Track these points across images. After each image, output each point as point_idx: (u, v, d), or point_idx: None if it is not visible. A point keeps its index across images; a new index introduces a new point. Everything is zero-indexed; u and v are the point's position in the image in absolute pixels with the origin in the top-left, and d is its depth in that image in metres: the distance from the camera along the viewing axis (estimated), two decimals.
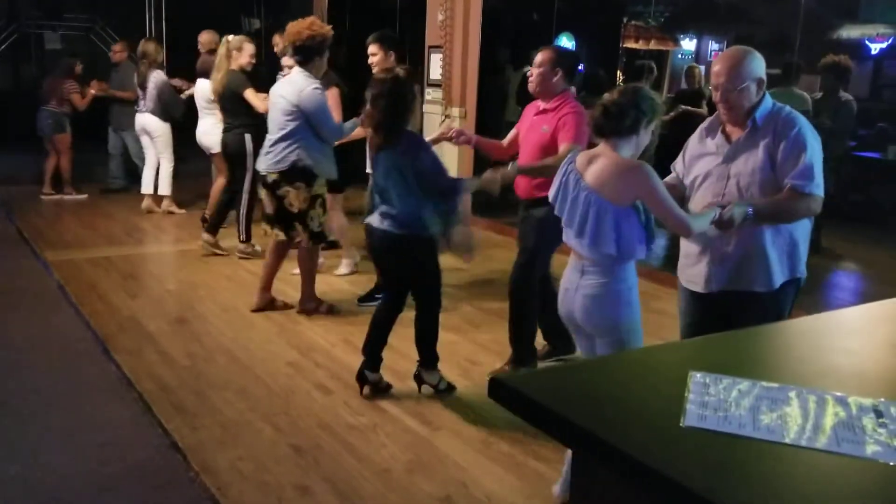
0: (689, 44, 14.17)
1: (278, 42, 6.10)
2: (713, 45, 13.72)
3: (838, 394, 1.59)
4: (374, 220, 3.70)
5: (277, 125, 4.65)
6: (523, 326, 4.08)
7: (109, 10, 12.21)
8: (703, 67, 9.02)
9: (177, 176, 8.03)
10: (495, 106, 9.48)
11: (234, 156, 6.09)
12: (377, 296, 5.11)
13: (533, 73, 3.87)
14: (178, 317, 4.88)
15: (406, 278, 3.80)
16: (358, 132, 4.98)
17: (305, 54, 4.62)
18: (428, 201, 3.54)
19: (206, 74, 6.47)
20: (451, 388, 3.89)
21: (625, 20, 11.98)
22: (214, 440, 3.36)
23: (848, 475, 1.32)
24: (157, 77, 7.53)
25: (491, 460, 3.27)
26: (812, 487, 1.29)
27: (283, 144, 4.62)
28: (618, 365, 1.91)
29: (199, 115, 6.77)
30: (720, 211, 2.69)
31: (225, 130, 6.10)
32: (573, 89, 3.96)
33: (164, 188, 7.87)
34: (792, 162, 2.72)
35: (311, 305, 5.02)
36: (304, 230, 4.77)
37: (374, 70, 4.96)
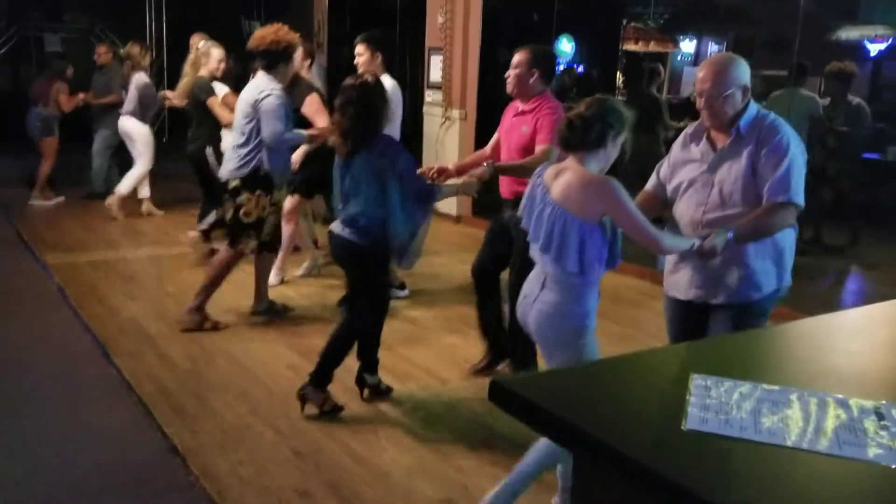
0: (688, 45, 14.18)
1: None
2: (713, 47, 13.72)
3: (839, 396, 1.58)
4: (336, 226, 3.64)
5: (239, 130, 4.56)
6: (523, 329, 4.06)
7: (109, 13, 12.22)
8: None
9: (156, 177, 7.93)
10: (495, 107, 9.48)
11: (200, 172, 5.94)
12: None
13: (510, 74, 3.86)
14: (178, 319, 4.87)
15: (355, 287, 3.75)
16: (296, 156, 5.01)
17: (269, 59, 4.55)
18: (400, 207, 3.48)
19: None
20: (389, 390, 3.89)
21: (624, 21, 11.99)
22: (214, 444, 3.36)
23: (849, 478, 1.31)
24: (138, 79, 7.48)
25: (492, 463, 3.26)
26: (813, 490, 1.29)
27: (244, 150, 4.52)
28: (619, 368, 1.91)
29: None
30: (700, 243, 2.65)
31: (189, 141, 5.98)
32: (554, 90, 3.95)
33: (124, 187, 7.62)
34: (770, 169, 2.67)
35: (198, 317, 4.73)
36: (255, 238, 4.64)
37: (360, 70, 4.97)
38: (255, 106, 4.47)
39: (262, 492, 3.00)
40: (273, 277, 5.65)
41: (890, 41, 11.03)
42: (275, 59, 4.56)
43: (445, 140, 8.23)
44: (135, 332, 4.65)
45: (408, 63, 10.71)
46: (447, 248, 6.94)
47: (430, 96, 8.51)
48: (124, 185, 7.66)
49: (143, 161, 7.63)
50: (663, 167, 3.02)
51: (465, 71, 8.10)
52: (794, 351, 2.04)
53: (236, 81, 5.95)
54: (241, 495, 2.97)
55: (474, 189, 3.72)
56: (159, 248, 6.01)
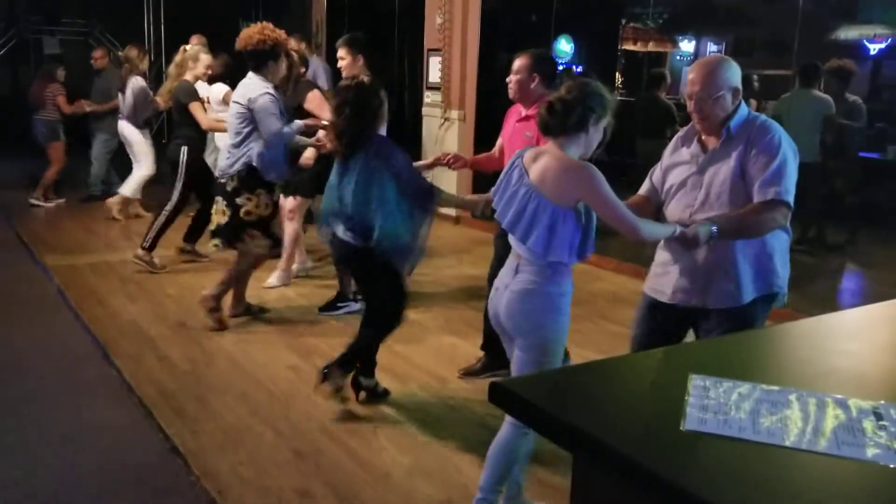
0: (687, 45, 14.19)
1: None
2: (712, 47, 13.74)
3: (838, 396, 1.59)
4: (338, 230, 3.63)
5: (233, 129, 4.59)
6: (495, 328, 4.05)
7: (108, 15, 12.21)
8: None
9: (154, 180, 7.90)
10: (494, 108, 9.48)
11: (172, 165, 5.94)
12: (339, 304, 5.12)
13: (511, 80, 3.85)
14: (178, 321, 4.88)
15: (365, 289, 3.74)
16: (309, 153, 5.05)
17: (257, 59, 4.57)
18: (397, 207, 3.47)
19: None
20: (386, 392, 3.89)
21: (623, 22, 12.01)
22: (215, 445, 3.36)
23: (848, 478, 1.32)
24: (134, 83, 7.45)
25: None
26: (812, 490, 1.29)
27: (239, 150, 4.55)
28: (618, 368, 1.91)
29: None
30: (681, 229, 2.59)
31: (168, 141, 5.97)
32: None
33: (126, 189, 7.64)
34: (760, 168, 2.63)
35: (213, 304, 4.74)
36: (263, 236, 4.66)
37: (343, 74, 4.98)
38: (249, 106, 4.49)
39: (262, 492, 3.01)
40: (275, 279, 5.67)
41: (889, 41, 11.06)
42: (263, 59, 4.57)
43: (445, 141, 8.24)
44: (135, 334, 4.66)
45: (406, 64, 10.72)
46: (447, 249, 6.94)
47: (429, 97, 8.52)
48: (126, 188, 7.67)
49: (144, 164, 7.61)
50: (656, 171, 2.99)
51: (463, 72, 8.10)
52: (792, 351, 2.05)
53: (235, 81, 5.97)
54: (242, 496, 2.98)
55: (479, 208, 3.67)
56: (159, 250, 6.02)
